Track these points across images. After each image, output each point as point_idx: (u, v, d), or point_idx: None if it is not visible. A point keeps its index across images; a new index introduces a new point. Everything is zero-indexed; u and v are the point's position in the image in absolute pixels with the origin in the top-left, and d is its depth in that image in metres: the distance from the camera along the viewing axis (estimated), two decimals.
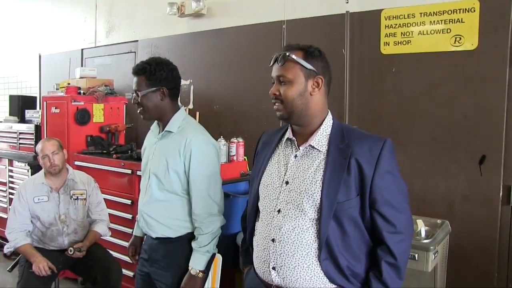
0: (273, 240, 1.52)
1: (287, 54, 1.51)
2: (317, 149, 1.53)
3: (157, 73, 2.05)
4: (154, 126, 2.24)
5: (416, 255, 2.40)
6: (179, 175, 2.06)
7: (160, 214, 2.12)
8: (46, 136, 4.18)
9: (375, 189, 1.47)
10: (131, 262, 2.48)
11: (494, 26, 2.74)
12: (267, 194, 1.58)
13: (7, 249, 2.95)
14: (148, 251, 2.21)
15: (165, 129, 2.11)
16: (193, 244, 2.08)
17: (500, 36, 2.73)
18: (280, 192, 1.54)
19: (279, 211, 1.53)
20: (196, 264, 2.07)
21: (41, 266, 2.76)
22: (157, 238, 2.16)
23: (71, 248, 2.88)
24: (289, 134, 1.60)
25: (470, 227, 2.83)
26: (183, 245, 2.11)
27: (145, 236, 2.32)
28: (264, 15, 3.74)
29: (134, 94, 2.09)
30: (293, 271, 1.49)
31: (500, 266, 2.79)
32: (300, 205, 1.49)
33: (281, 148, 1.63)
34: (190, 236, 2.14)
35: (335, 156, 1.49)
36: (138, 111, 2.12)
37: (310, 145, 1.54)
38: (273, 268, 1.52)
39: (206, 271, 2.09)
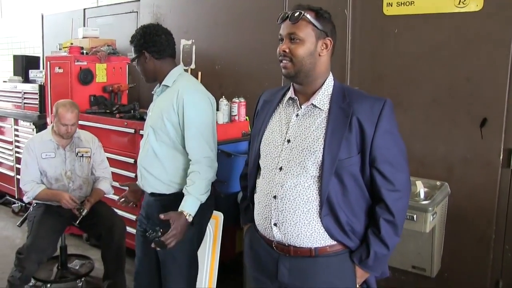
0: (274, 197, 1.55)
1: (302, 12, 1.51)
2: (319, 108, 1.55)
3: (136, 41, 2.19)
4: (157, 86, 2.31)
5: (415, 216, 2.44)
6: (174, 126, 2.12)
7: (156, 168, 2.17)
8: (51, 96, 4.20)
9: (375, 147, 1.49)
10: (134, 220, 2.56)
11: None
12: (269, 152, 1.60)
13: (27, 198, 3.03)
14: (145, 208, 2.29)
15: (161, 83, 2.21)
16: (189, 188, 2.07)
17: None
18: (282, 150, 1.56)
19: (281, 168, 1.55)
20: (189, 207, 2.05)
21: (67, 198, 2.88)
22: (152, 194, 2.22)
23: (79, 210, 2.94)
24: (291, 93, 1.61)
25: (469, 190, 2.86)
26: (177, 202, 2.09)
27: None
28: None
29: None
30: (294, 227, 1.53)
31: (498, 228, 2.82)
32: (302, 162, 1.52)
33: (282, 107, 1.64)
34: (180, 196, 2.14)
35: (336, 115, 1.51)
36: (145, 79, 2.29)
37: (312, 104, 1.56)
38: (275, 225, 1.56)
39: (194, 219, 2.07)
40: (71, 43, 4.42)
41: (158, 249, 1.99)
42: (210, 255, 2.74)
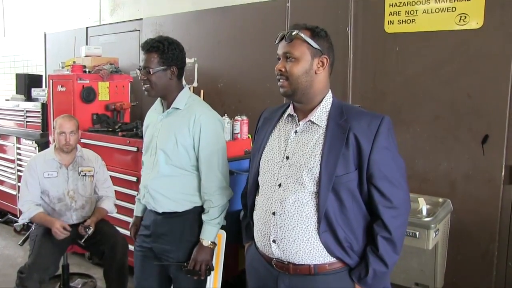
0: (273, 213, 1.56)
1: (296, 32, 1.54)
2: (317, 124, 1.57)
3: (169, 52, 2.08)
4: (157, 104, 2.26)
5: (417, 233, 2.44)
6: (188, 150, 2.10)
7: (168, 189, 2.15)
8: (53, 115, 4.22)
9: (372, 163, 1.50)
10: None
11: (501, 3, 2.71)
12: (268, 169, 1.62)
13: (22, 219, 3.03)
14: (151, 227, 2.22)
15: (172, 106, 2.14)
16: (204, 217, 2.14)
17: (506, 14, 2.70)
18: (280, 167, 1.58)
19: (279, 185, 1.56)
20: (207, 236, 2.13)
21: (58, 227, 2.85)
22: (163, 213, 2.19)
23: (85, 229, 2.94)
24: (290, 110, 1.64)
25: (472, 206, 2.86)
26: (189, 219, 2.16)
27: (144, 214, 2.35)
28: None
29: (143, 71, 2.10)
30: (293, 244, 1.53)
31: (500, 244, 2.83)
32: (300, 178, 1.53)
33: (281, 124, 1.67)
34: (196, 210, 2.18)
35: (334, 131, 1.53)
36: (144, 88, 2.13)
37: (310, 120, 1.58)
38: (274, 241, 1.56)
39: (215, 243, 2.18)
40: (74, 62, 4.45)
41: (195, 278, 2.13)
42: (212, 273, 2.72)
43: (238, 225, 2.95)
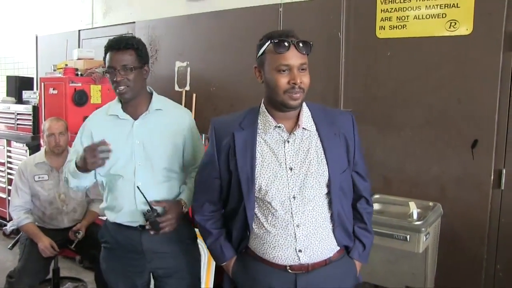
0: (297, 225, 1.56)
1: (311, 42, 1.54)
2: (308, 130, 1.59)
3: (143, 49, 1.97)
4: (117, 110, 2.00)
5: (408, 237, 2.46)
6: (179, 152, 2.04)
7: (163, 196, 2.00)
8: (44, 117, 4.20)
9: (356, 155, 1.67)
10: None
11: (489, 11, 2.75)
12: (275, 185, 1.56)
13: (10, 227, 3.01)
14: (143, 246, 2.01)
15: (151, 108, 1.99)
16: (189, 184, 2.04)
17: (494, 21, 2.74)
18: (287, 179, 1.56)
19: (294, 197, 1.56)
20: (186, 197, 2.03)
21: (47, 245, 2.84)
22: None
23: (75, 234, 2.93)
24: (273, 121, 1.58)
25: (462, 210, 2.89)
26: (185, 225, 2.08)
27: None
28: None
29: (121, 70, 1.89)
30: (318, 248, 1.59)
31: (490, 248, 2.86)
32: (313, 186, 1.57)
33: (265, 136, 1.59)
34: (186, 215, 2.08)
35: (327, 134, 1.60)
36: (120, 90, 1.91)
37: (303, 128, 1.59)
38: (300, 251, 1.57)
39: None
40: (66, 64, 4.44)
41: (152, 232, 1.92)
42: (205, 276, 2.73)
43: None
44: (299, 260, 1.57)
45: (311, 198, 1.57)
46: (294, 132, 1.58)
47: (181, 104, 4.16)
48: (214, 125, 1.67)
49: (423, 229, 2.46)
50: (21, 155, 4.63)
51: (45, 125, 3.07)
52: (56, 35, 5.80)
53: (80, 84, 4.13)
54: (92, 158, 1.77)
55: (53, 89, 4.17)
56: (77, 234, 2.91)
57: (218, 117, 1.72)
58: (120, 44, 1.91)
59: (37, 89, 5.16)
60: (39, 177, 3.02)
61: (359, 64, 3.27)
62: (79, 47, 5.34)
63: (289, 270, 1.59)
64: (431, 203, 2.84)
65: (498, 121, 2.77)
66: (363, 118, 3.24)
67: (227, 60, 4.01)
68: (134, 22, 4.82)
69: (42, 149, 3.18)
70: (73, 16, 5.57)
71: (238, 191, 1.61)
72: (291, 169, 1.56)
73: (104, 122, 2.02)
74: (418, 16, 3.02)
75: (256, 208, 1.61)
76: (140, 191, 1.89)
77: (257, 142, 1.59)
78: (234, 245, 1.71)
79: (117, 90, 1.92)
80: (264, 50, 1.55)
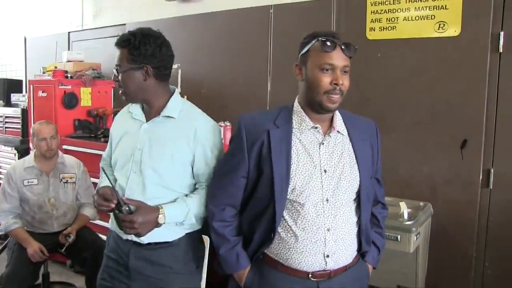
0: (328, 229, 1.53)
1: (356, 46, 1.53)
2: (341, 134, 1.59)
3: (141, 48, 1.70)
4: (134, 108, 1.85)
5: (399, 237, 2.47)
6: (185, 168, 1.75)
7: None
8: (34, 120, 4.17)
9: (378, 161, 1.69)
10: None
11: (476, 13, 2.79)
12: (309, 186, 1.52)
13: None
14: (132, 264, 1.80)
15: (163, 114, 1.76)
16: (188, 198, 1.76)
17: (482, 23, 2.78)
18: (322, 182, 1.53)
19: (327, 200, 1.53)
20: (171, 210, 1.70)
21: (36, 250, 2.80)
22: (148, 244, 1.77)
23: (65, 237, 2.90)
24: (310, 121, 1.55)
25: (451, 209, 2.92)
26: (180, 249, 1.80)
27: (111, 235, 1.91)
28: (252, 0, 3.74)
29: (116, 72, 1.77)
30: (344, 253, 1.57)
31: (479, 246, 2.89)
32: (347, 190, 1.56)
33: (301, 136, 1.56)
34: (190, 237, 1.83)
35: (357, 139, 1.60)
36: (120, 91, 1.79)
37: (337, 131, 1.58)
38: (327, 256, 1.54)
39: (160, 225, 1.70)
40: (55, 67, 4.41)
41: (119, 230, 1.71)
42: None
43: None
44: (326, 265, 1.54)
45: (343, 202, 1.55)
46: (330, 135, 1.56)
47: None
48: (244, 122, 1.59)
49: (413, 229, 2.48)
50: (10, 159, 4.59)
51: (34, 129, 3.03)
52: (45, 37, 5.75)
53: (70, 87, 4.11)
54: (99, 206, 1.72)
55: (42, 92, 4.14)
56: (67, 237, 2.89)
57: (245, 113, 1.64)
58: (118, 40, 1.75)
59: (26, 92, 5.13)
60: (28, 182, 2.99)
61: (350, 65, 3.27)
62: (68, 49, 5.31)
63: (311, 278, 1.54)
64: (421, 203, 2.87)
65: (486, 121, 2.81)
66: None
67: (218, 62, 4.02)
68: (124, 24, 4.80)
69: (32, 153, 3.14)
70: (63, 17, 5.53)
71: (268, 191, 1.53)
72: (325, 171, 1.53)
73: (122, 119, 1.92)
74: (408, 17, 3.04)
75: (284, 211, 1.54)
76: (105, 173, 1.68)
77: (294, 142, 1.55)
78: (251, 250, 1.61)
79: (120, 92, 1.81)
80: (309, 48, 1.53)
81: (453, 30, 2.88)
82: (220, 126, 3.46)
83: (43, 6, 5.83)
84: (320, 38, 1.49)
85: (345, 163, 1.56)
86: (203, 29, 4.11)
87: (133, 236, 1.74)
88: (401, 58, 3.07)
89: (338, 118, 1.59)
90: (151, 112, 1.81)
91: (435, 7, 2.94)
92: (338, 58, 1.48)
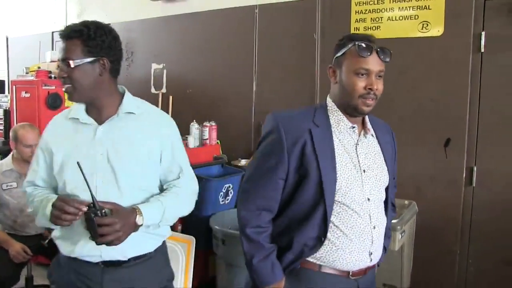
0: (374, 227, 1.53)
1: (391, 51, 1.51)
2: (371, 135, 1.60)
3: (97, 39, 1.52)
4: (79, 113, 1.60)
5: None
6: (156, 166, 1.63)
7: None
8: (16, 121, 4.10)
9: (395, 164, 1.71)
10: None
11: (458, 13, 2.83)
12: (352, 186, 1.50)
13: None
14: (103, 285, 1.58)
15: (121, 111, 1.60)
16: (163, 198, 1.61)
17: (464, 23, 2.82)
18: (363, 181, 1.52)
19: (368, 199, 1.53)
20: (147, 210, 1.54)
21: (18, 250, 2.75)
22: (117, 262, 1.58)
23: (48, 230, 2.86)
24: (348, 122, 1.54)
25: (436, 207, 2.95)
26: (160, 259, 1.70)
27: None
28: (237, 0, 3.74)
29: (61, 65, 1.53)
30: (380, 249, 1.59)
31: (462, 243, 2.93)
32: (381, 190, 1.58)
33: (340, 136, 1.54)
34: (163, 248, 1.72)
35: (383, 141, 1.62)
36: (65, 88, 1.55)
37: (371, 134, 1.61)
38: (370, 253, 1.54)
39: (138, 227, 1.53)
40: (39, 67, 4.35)
41: (90, 237, 1.45)
42: (182, 281, 2.71)
43: (207, 231, 2.96)
44: (371, 262, 1.54)
45: (379, 201, 1.57)
46: (365, 136, 1.57)
47: (157, 106, 4.12)
48: (280, 120, 1.52)
49: (398, 227, 2.50)
50: None
51: (17, 133, 2.92)
52: (28, 37, 5.68)
53: (53, 87, 4.05)
54: (57, 220, 1.45)
55: (26, 92, 4.07)
56: (51, 230, 2.84)
57: (277, 112, 1.57)
58: (66, 31, 1.54)
59: (8, 93, 5.05)
60: (7, 186, 2.91)
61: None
62: (52, 49, 5.24)
63: (351, 277, 1.53)
64: (406, 202, 2.89)
65: (469, 120, 2.85)
66: None
67: (204, 61, 4.01)
68: (109, 24, 4.75)
69: (9, 156, 3.06)
70: (46, 17, 5.46)
71: (316, 194, 1.47)
72: (364, 171, 1.53)
73: (63, 128, 1.63)
74: (392, 17, 3.07)
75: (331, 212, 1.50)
76: (81, 169, 1.43)
77: (334, 141, 1.52)
78: (286, 260, 1.51)
79: (63, 89, 1.58)
80: (345, 51, 1.51)
81: (436, 30, 2.91)
82: (205, 126, 3.47)
83: (26, 5, 5.75)
84: (357, 42, 1.47)
85: (378, 164, 1.58)
86: (188, 29, 4.10)
87: (105, 255, 1.54)
88: None
89: (368, 120, 1.60)
90: (101, 113, 1.60)
91: (418, 7, 2.97)
92: (374, 63, 1.47)
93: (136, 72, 4.46)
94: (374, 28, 3.13)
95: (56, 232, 1.65)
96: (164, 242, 1.72)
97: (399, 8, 3.04)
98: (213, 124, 3.51)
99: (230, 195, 3.24)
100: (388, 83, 3.02)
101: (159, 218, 1.57)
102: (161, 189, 1.68)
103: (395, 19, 3.06)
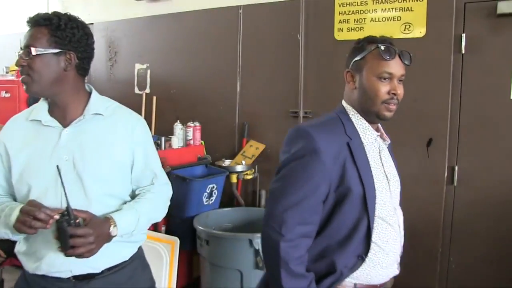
0: (401, 236, 1.50)
1: (411, 54, 1.45)
2: (387, 141, 1.54)
3: (67, 30, 1.43)
4: (41, 114, 1.48)
5: None
6: (127, 171, 1.52)
7: None
8: None
9: None
10: None
11: (440, 15, 2.87)
12: (385, 197, 1.43)
13: None
14: None
15: (88, 112, 1.47)
16: (137, 204, 1.51)
17: (445, 25, 2.86)
18: (389, 191, 1.46)
19: (395, 208, 1.48)
20: (122, 219, 1.43)
21: None
22: (101, 273, 1.47)
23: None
24: (373, 130, 1.47)
25: (418, 207, 2.98)
26: (137, 266, 1.59)
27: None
28: (222, 0, 3.74)
29: (22, 52, 1.41)
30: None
31: (444, 241, 2.97)
32: (399, 197, 1.53)
33: (366, 145, 1.45)
34: (140, 253, 1.62)
35: (389, 146, 1.56)
36: (22, 78, 1.42)
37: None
38: (398, 263, 1.50)
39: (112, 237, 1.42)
40: None
41: (59, 248, 1.32)
42: (166, 281, 2.69)
43: (191, 232, 2.95)
44: (397, 270, 1.50)
45: (400, 210, 1.52)
46: (384, 142, 1.52)
47: (141, 107, 4.10)
48: (315, 136, 1.36)
49: None
50: None
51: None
52: (8, 36, 5.58)
53: None
54: (23, 226, 1.31)
55: (6, 92, 4.02)
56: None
57: (307, 126, 1.43)
58: (33, 18, 1.46)
59: None
60: None
61: (318, 66, 3.32)
62: None
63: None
64: None
65: (451, 120, 2.89)
66: None
67: (187, 62, 3.99)
68: (92, 24, 4.71)
69: None
70: (27, 15, 5.37)
71: (358, 211, 1.37)
72: (389, 180, 1.46)
73: (23, 131, 1.49)
74: (375, 18, 3.10)
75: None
76: (60, 173, 1.32)
77: (366, 153, 1.44)
78: (324, 286, 1.39)
79: (20, 79, 1.44)
80: (365, 55, 1.43)
81: (418, 31, 2.94)
82: (189, 126, 3.46)
83: (6, 3, 5.66)
84: (379, 45, 1.40)
85: (395, 170, 1.53)
86: (172, 29, 4.08)
87: (76, 270, 1.42)
88: None
89: (380, 125, 1.53)
90: (66, 114, 1.48)
91: (401, 8, 3.00)
92: (397, 67, 1.41)
93: (120, 72, 4.42)
94: (357, 29, 3.15)
95: (20, 247, 1.51)
96: (140, 248, 1.62)
97: (382, 9, 3.07)
98: (197, 124, 3.50)
99: (214, 196, 3.23)
100: None
101: (133, 227, 1.47)
102: (133, 195, 1.58)
103: (378, 20, 3.09)
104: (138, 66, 4.29)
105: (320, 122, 1.47)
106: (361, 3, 3.14)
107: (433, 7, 2.89)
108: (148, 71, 4.24)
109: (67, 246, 1.30)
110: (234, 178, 3.37)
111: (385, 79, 1.40)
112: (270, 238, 1.35)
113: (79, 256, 1.32)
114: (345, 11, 3.20)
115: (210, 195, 3.20)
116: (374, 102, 1.41)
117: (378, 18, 3.09)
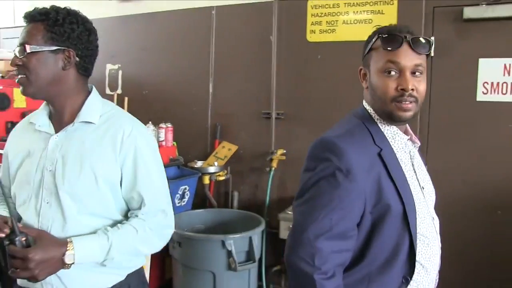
0: (440, 248, 1.33)
1: (432, 39, 1.22)
2: (417, 143, 1.35)
3: (66, 26, 1.31)
4: (40, 117, 1.40)
5: None
6: (115, 188, 1.35)
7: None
8: None
9: None
10: None
11: (410, 18, 2.92)
12: (423, 209, 1.27)
13: None
14: None
15: (77, 119, 1.35)
16: (110, 233, 1.31)
17: (414, 28, 2.87)
18: (425, 201, 1.29)
19: (433, 218, 1.32)
20: (84, 245, 1.26)
21: None
22: None
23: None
24: (402, 134, 1.29)
25: None
26: None
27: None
28: (194, 0, 3.71)
29: (18, 49, 1.32)
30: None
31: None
32: (433, 205, 1.36)
33: (397, 153, 1.27)
34: (132, 280, 1.43)
35: (419, 149, 1.39)
36: (19, 78, 1.34)
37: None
38: (437, 276, 1.36)
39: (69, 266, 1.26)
40: None
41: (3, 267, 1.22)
42: (148, 274, 2.65)
43: None
44: (435, 284, 1.34)
45: (437, 219, 1.35)
46: (415, 146, 1.33)
47: None
48: (345, 148, 1.17)
49: None
50: None
51: None
52: None
53: (1, 87, 3.88)
54: None
55: None
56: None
57: (333, 136, 1.23)
58: (29, 13, 1.34)
59: None
60: None
61: (291, 67, 3.34)
62: None
63: None
64: None
65: (420, 121, 2.94)
66: (295, 120, 3.32)
67: (160, 62, 3.95)
68: None
69: None
70: None
71: (399, 230, 1.20)
72: (423, 188, 1.29)
73: (22, 135, 1.44)
74: (347, 21, 3.14)
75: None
76: (2, 186, 1.25)
77: (400, 162, 1.26)
78: None
79: (16, 80, 1.35)
80: (370, 47, 1.25)
81: None
82: (161, 127, 3.42)
83: None
84: (381, 34, 1.22)
85: (428, 177, 1.36)
86: (144, 30, 4.03)
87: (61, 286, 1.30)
88: (340, 60, 3.15)
89: (408, 127, 1.35)
90: (63, 118, 1.38)
91: (372, 11, 3.05)
92: (406, 57, 1.19)
93: None
94: (329, 31, 3.18)
95: None
96: (134, 272, 1.43)
97: (354, 12, 3.11)
98: (169, 125, 3.47)
99: (187, 197, 3.21)
100: (343, 85, 3.13)
101: (101, 257, 1.28)
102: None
103: (350, 23, 3.13)
104: (109, 66, 4.22)
105: (346, 131, 1.25)
106: (333, 6, 3.18)
107: (403, 10, 2.95)
108: (120, 72, 4.17)
109: (8, 266, 1.19)
110: (206, 180, 3.35)
111: (391, 72, 1.19)
112: (301, 272, 1.14)
113: (24, 279, 1.22)
114: (317, 13, 3.23)
115: (183, 196, 3.17)
116: (383, 101, 1.21)
117: (350, 21, 3.13)
